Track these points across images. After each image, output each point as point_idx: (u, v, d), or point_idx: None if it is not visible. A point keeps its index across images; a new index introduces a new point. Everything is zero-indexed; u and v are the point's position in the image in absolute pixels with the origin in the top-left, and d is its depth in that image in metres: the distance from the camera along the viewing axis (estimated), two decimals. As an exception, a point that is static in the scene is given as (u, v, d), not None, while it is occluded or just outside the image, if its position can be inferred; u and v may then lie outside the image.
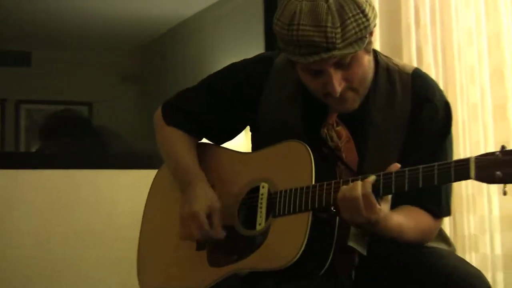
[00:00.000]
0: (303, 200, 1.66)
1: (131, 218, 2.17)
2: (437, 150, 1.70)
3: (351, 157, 1.75)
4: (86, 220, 2.85)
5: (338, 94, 1.66)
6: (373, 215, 1.56)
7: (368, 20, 1.60)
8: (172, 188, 1.94)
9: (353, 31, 1.59)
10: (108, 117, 3.72)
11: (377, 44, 2.96)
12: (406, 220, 1.68)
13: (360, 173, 1.68)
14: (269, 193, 1.75)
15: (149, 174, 2.13)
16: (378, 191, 1.56)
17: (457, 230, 3.08)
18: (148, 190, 2.06)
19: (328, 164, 1.73)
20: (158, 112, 2.00)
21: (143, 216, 2.02)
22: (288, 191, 1.69)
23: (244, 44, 3.82)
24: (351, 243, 1.68)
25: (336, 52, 1.59)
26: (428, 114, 1.74)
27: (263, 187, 1.76)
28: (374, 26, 1.66)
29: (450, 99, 2.96)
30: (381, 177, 1.56)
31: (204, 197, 1.80)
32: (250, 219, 1.77)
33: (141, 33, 4.00)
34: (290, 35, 1.60)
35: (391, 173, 1.56)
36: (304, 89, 1.76)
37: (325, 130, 1.78)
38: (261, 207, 1.73)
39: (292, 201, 1.68)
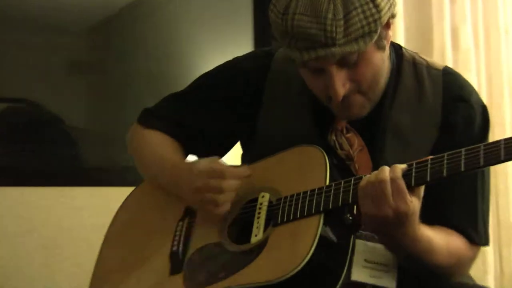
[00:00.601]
0: (314, 202, 1.70)
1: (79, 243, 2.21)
2: None
3: (365, 169, 1.81)
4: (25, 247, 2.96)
5: (339, 98, 1.71)
6: (402, 205, 1.59)
7: (379, 11, 1.65)
8: (144, 211, 2.02)
9: (359, 25, 1.64)
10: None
11: (400, 25, 3.03)
12: (436, 237, 1.71)
13: None
14: (270, 202, 1.80)
15: (107, 193, 2.19)
16: (410, 181, 1.60)
17: (504, 267, 3.16)
18: (104, 210, 2.13)
19: (339, 176, 1.76)
20: (134, 125, 2.07)
21: (104, 242, 2.07)
22: (294, 195, 1.74)
23: (226, 22, 3.86)
24: (354, 275, 1.70)
25: (336, 49, 1.64)
26: (464, 117, 1.82)
27: (262, 197, 1.83)
28: (392, 16, 1.70)
29: (494, 94, 3.08)
30: (414, 165, 1.61)
31: (198, 163, 1.86)
32: (245, 235, 1.81)
33: (93, 10, 4.05)
34: (284, 25, 1.67)
35: (426, 160, 1.60)
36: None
37: (333, 137, 1.86)
38: (258, 218, 1.80)
39: (299, 204, 1.73)
